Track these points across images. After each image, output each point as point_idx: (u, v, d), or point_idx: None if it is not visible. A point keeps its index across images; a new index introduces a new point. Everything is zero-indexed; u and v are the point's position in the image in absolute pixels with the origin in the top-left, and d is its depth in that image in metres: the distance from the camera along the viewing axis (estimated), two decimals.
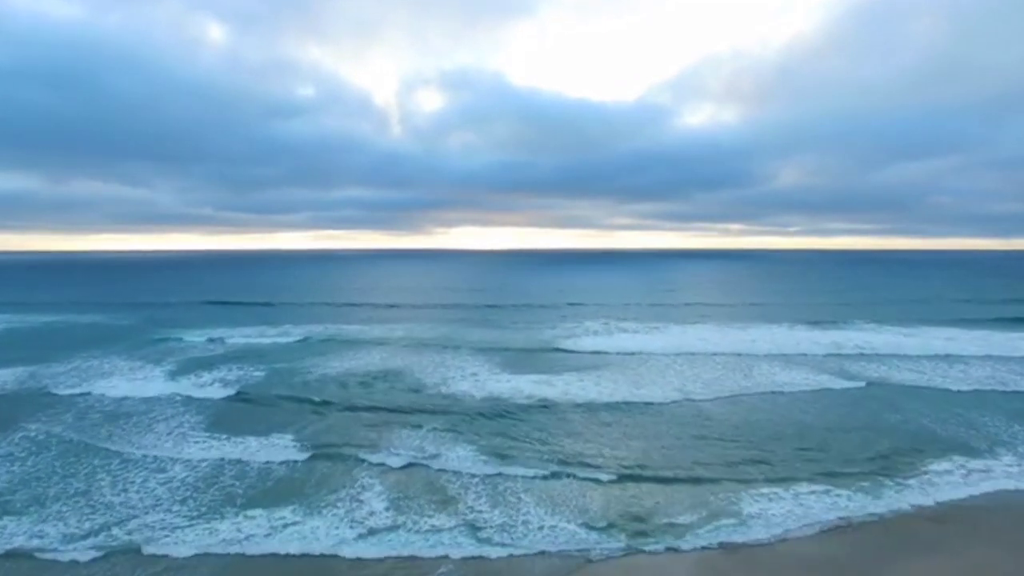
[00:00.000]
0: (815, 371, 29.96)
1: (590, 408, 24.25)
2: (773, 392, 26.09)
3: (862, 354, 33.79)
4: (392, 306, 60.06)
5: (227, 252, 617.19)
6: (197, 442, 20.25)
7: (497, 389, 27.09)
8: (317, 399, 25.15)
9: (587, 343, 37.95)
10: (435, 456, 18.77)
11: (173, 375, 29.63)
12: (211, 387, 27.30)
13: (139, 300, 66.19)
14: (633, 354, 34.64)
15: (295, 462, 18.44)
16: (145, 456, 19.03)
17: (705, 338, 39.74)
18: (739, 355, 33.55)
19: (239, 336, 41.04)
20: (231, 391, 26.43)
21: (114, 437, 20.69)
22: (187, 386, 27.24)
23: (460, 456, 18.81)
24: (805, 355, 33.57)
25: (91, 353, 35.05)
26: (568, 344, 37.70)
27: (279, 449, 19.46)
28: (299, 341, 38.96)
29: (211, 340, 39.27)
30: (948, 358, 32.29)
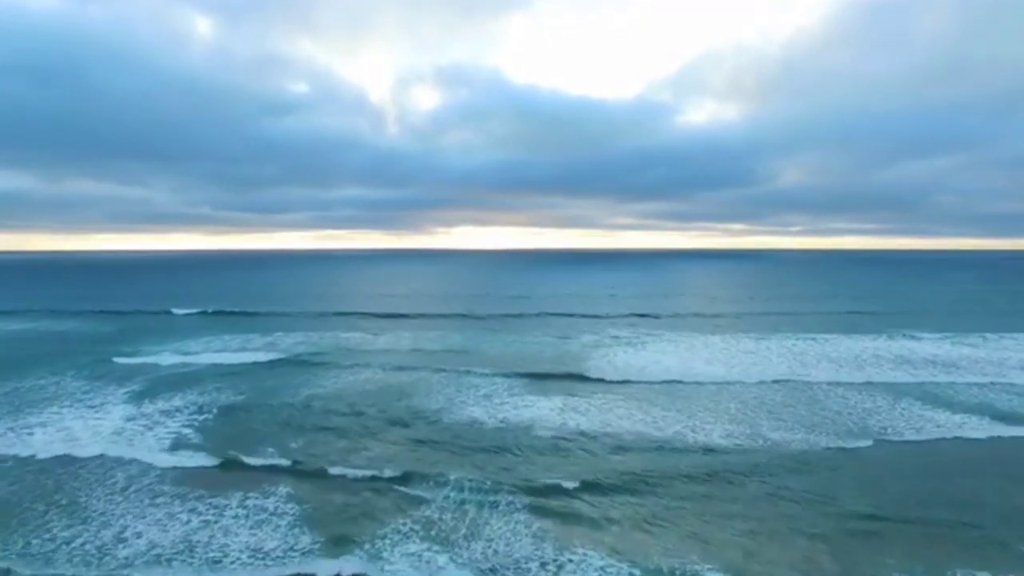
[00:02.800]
0: (899, 397, 25.25)
1: (642, 452, 19.49)
2: (880, 439, 20.47)
3: (944, 380, 28.10)
4: (392, 316, 55.20)
5: (227, 252, 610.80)
6: (155, 507, 15.47)
7: (518, 418, 22.43)
8: (306, 447, 20.35)
9: (619, 358, 33.24)
10: (482, 548, 13.75)
11: (136, 399, 24.87)
12: (177, 418, 22.48)
13: (121, 307, 61.20)
14: (675, 382, 29.73)
15: (290, 556, 13.56)
16: (83, 530, 14.25)
17: (750, 351, 35.07)
18: (804, 382, 28.58)
19: (220, 350, 36.21)
20: (199, 434, 21.49)
21: (56, 496, 15.91)
22: (145, 422, 22.42)
23: (507, 545, 13.97)
24: (877, 382, 28.60)
25: (47, 370, 30.29)
26: (596, 360, 32.97)
27: (265, 529, 14.51)
28: (288, 359, 34.04)
29: (188, 354, 34.41)
30: None
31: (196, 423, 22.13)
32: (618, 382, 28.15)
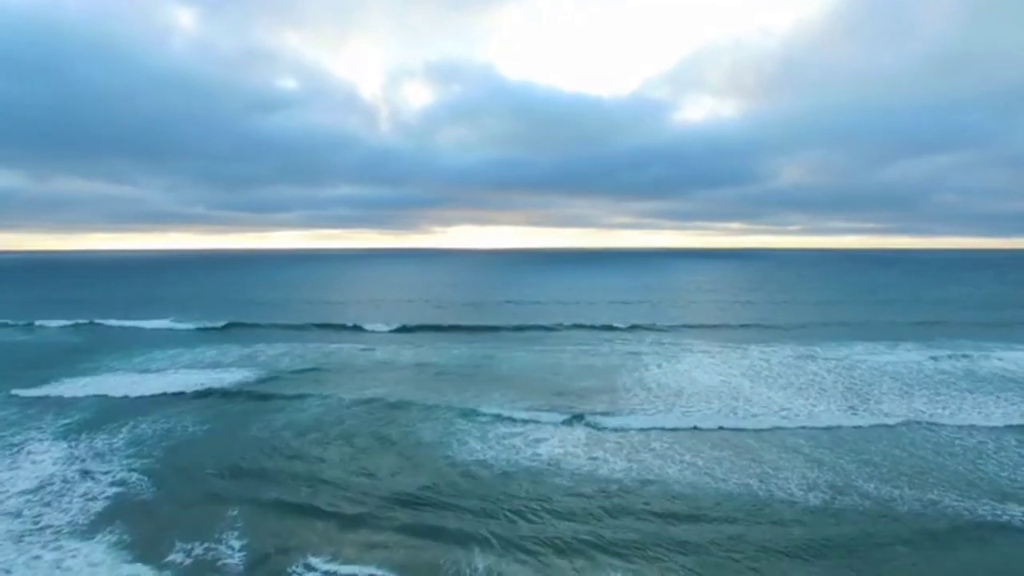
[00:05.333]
0: (1001, 435, 20.87)
1: (705, 517, 15.01)
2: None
3: None
4: (387, 324, 50.60)
5: (222, 252, 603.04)
6: None
7: (536, 461, 17.94)
8: (280, 525, 15.71)
9: (648, 377, 28.75)
10: None
11: (73, 435, 20.36)
12: (114, 467, 17.91)
13: (92, 313, 56.35)
14: (721, 409, 25.36)
15: None
16: None
17: (792, 365, 30.63)
18: (877, 409, 24.16)
19: (189, 366, 31.61)
20: (138, 495, 16.91)
21: None
22: (78, 467, 17.90)
23: None
24: (967, 410, 24.17)
25: None
26: (623, 380, 28.52)
27: None
28: (265, 378, 29.48)
29: (149, 372, 29.81)
30: None
31: (137, 474, 17.47)
32: (651, 409, 23.69)
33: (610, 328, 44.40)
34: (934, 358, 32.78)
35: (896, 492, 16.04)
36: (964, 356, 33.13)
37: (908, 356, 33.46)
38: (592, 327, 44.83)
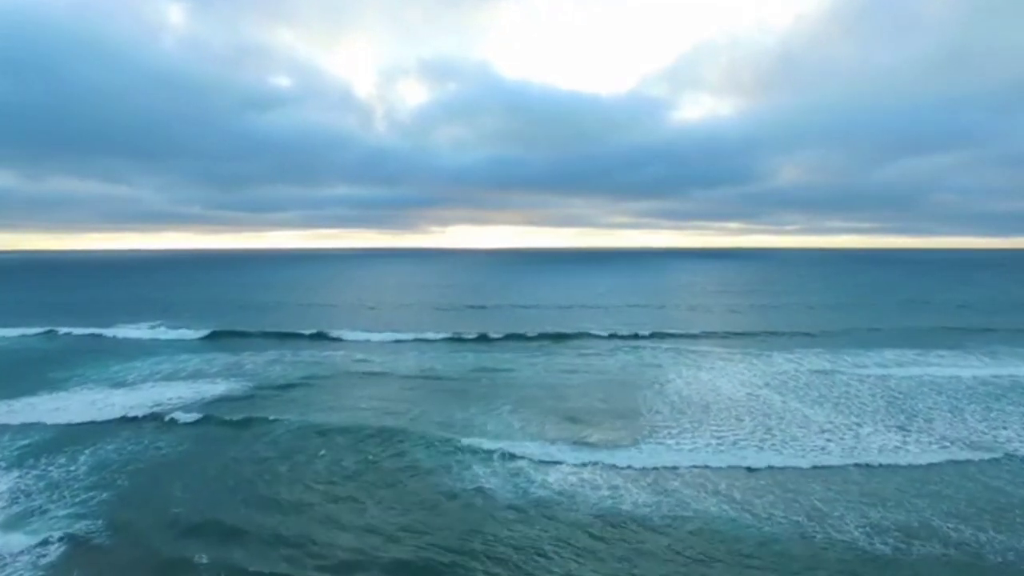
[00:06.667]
0: None
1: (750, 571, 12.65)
2: None
3: None
4: (381, 328, 48.10)
5: (218, 251, 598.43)
6: None
7: (547, 492, 15.51)
8: None
9: (668, 391, 26.36)
10: None
11: (27, 462, 17.85)
12: (66, 504, 15.45)
13: (69, 319, 53.74)
14: (754, 429, 23.06)
15: None
16: None
17: (820, 371, 28.25)
18: (931, 431, 21.90)
19: (168, 378, 29.05)
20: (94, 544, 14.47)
21: None
22: (22, 508, 15.40)
23: None
24: None
25: None
26: (641, 394, 26.16)
27: None
28: (250, 391, 27.02)
29: (122, 386, 27.26)
30: None
31: (93, 522, 14.93)
32: (676, 428, 21.30)
33: (619, 336, 41.80)
34: (973, 367, 30.54)
35: (983, 537, 13.66)
36: (1004, 365, 30.87)
37: (944, 364, 31.20)
38: (601, 335, 42.04)
